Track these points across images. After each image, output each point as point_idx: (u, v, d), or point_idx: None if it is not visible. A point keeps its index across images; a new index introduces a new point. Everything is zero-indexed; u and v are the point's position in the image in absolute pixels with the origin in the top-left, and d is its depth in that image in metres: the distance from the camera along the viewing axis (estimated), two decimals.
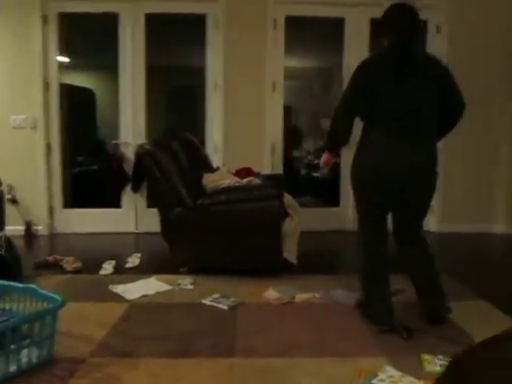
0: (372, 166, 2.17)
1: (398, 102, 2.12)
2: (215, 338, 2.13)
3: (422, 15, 4.58)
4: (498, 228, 4.66)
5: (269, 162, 4.56)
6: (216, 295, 2.66)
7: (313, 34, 5.14)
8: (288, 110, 5.92)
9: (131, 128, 4.51)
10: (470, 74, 4.59)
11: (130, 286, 2.83)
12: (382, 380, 1.75)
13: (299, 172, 6.76)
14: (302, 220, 4.12)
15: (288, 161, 5.55)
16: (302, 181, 6.64)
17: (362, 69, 2.21)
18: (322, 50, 5.86)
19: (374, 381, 1.75)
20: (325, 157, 2.42)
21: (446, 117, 2.23)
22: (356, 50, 4.59)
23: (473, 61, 4.56)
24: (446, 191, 4.52)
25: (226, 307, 2.50)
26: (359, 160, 2.25)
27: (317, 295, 2.66)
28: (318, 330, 2.23)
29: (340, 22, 4.62)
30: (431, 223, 4.56)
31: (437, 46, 4.48)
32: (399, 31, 2.14)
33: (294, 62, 6.00)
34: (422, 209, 2.29)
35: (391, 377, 1.78)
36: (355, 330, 2.23)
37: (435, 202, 4.41)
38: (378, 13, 4.49)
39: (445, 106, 2.19)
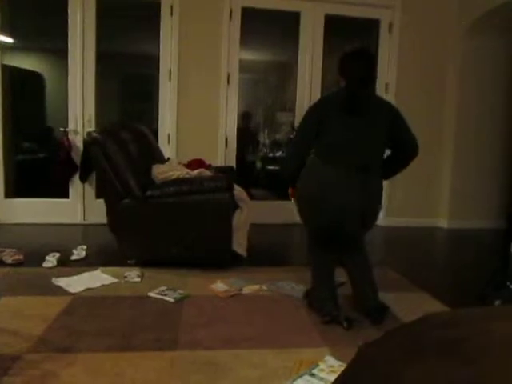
0: (313, 199, 2.25)
1: (346, 137, 2.19)
2: (159, 331, 2.11)
3: (374, 14, 4.71)
4: (443, 222, 4.89)
5: (222, 154, 4.54)
6: (163, 288, 2.63)
7: (269, 28, 5.14)
8: (247, 116, 5.94)
9: (80, 115, 4.35)
10: (419, 74, 4.76)
11: (73, 278, 2.75)
12: (321, 370, 1.80)
13: (254, 164, 6.78)
14: (254, 213, 4.15)
15: (243, 153, 5.56)
16: (257, 173, 6.66)
17: (315, 109, 2.28)
18: (278, 44, 5.87)
19: (314, 371, 1.79)
20: (290, 190, 2.50)
21: (398, 157, 2.33)
22: (311, 44, 4.65)
23: (422, 60, 4.72)
24: (394, 187, 4.68)
25: (172, 300, 2.48)
26: (303, 188, 2.31)
27: (264, 287, 2.68)
28: (263, 321, 2.26)
29: (296, 16, 4.64)
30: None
31: (388, 45, 4.59)
32: (353, 80, 2.21)
33: (250, 55, 5.99)
34: (362, 230, 2.38)
35: (331, 366, 1.83)
36: (300, 322, 2.27)
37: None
38: (332, 9, 4.64)
39: (397, 147, 2.30)
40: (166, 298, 2.50)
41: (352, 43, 5.52)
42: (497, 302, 2.22)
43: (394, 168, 2.37)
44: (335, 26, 4.78)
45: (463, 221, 4.84)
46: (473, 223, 4.86)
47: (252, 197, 5.06)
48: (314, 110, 2.27)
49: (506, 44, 4.77)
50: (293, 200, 2.49)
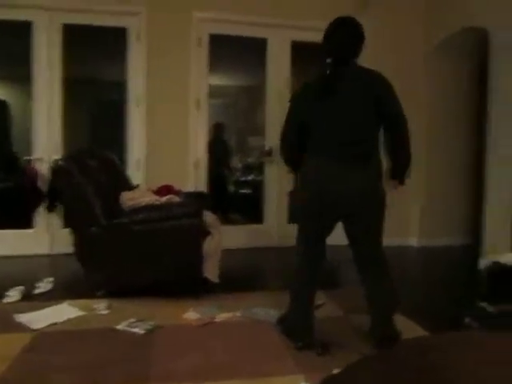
0: (310, 196, 2.15)
1: (323, 121, 2.08)
2: (129, 365, 2.02)
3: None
4: (413, 241, 4.96)
5: (193, 180, 4.50)
6: (132, 319, 2.54)
7: (238, 53, 5.22)
8: (219, 127, 5.95)
9: (46, 143, 4.25)
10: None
11: (37, 313, 2.62)
12: None
13: (227, 189, 6.77)
14: (227, 237, 4.10)
15: (216, 178, 5.55)
16: (230, 198, 6.65)
17: (295, 98, 2.22)
18: (247, 69, 5.96)
19: None
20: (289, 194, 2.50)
21: (389, 133, 2.11)
22: (278, 70, 4.73)
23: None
24: None
25: (142, 331, 2.39)
26: (301, 187, 2.24)
27: (238, 314, 2.63)
28: (237, 350, 2.20)
29: (263, 43, 4.73)
30: None
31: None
32: (331, 48, 2.10)
33: (220, 80, 6.05)
34: (369, 227, 2.18)
35: None
36: (275, 348, 2.23)
37: None
38: (299, 35, 4.74)
39: (384, 121, 2.09)
40: (136, 330, 2.41)
41: (318, 68, 5.66)
42: (467, 320, 2.24)
43: (391, 150, 2.13)
44: (302, 51, 4.88)
45: (433, 238, 4.92)
46: (443, 240, 4.94)
47: (226, 221, 5.04)
48: (294, 100, 2.20)
49: (468, 68, 4.98)
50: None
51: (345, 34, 2.10)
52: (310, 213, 2.19)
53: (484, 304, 2.23)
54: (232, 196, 6.76)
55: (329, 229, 2.23)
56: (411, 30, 4.91)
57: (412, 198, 4.94)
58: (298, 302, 2.27)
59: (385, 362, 0.54)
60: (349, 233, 2.21)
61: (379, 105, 2.04)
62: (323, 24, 4.81)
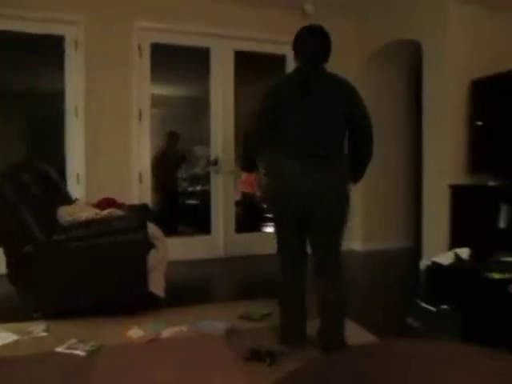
0: (276, 191, 2.16)
1: (297, 122, 2.11)
2: None
3: (282, 51, 4.92)
4: (357, 245, 5.09)
5: (136, 192, 4.38)
6: (73, 341, 2.41)
7: (182, 63, 5.17)
8: (173, 136, 5.86)
9: None
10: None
11: None
12: None
13: (176, 200, 6.64)
14: (174, 250, 4.01)
15: (166, 189, 5.45)
16: (179, 209, 6.53)
17: (268, 97, 2.22)
18: (191, 79, 5.91)
19: None
20: (242, 179, 2.36)
21: (355, 143, 2.19)
22: (221, 79, 4.73)
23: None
24: None
25: (83, 353, 2.27)
26: (269, 183, 2.23)
27: (184, 328, 2.56)
28: (182, 365, 2.14)
29: (206, 52, 4.72)
30: None
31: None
32: (303, 54, 2.17)
33: (164, 90, 5.96)
34: (329, 230, 2.18)
35: None
36: (222, 361, 2.18)
37: None
38: (241, 45, 4.77)
39: (352, 131, 2.17)
40: (77, 352, 2.29)
41: (263, 77, 5.72)
42: (409, 320, 2.31)
43: (355, 157, 2.20)
44: (246, 61, 4.92)
45: (376, 242, 5.08)
46: (387, 244, 5.11)
47: (175, 233, 4.95)
48: (267, 99, 2.21)
49: (400, 77, 5.22)
50: (241, 191, 2.36)
51: (317, 42, 2.18)
52: (279, 211, 2.21)
53: (424, 304, 2.31)
54: (181, 207, 6.65)
55: (300, 230, 2.22)
56: (346, 42, 5.09)
57: (355, 203, 5.08)
58: (285, 304, 2.32)
59: (313, 372, 0.53)
60: (310, 235, 2.22)
61: (349, 112, 2.13)
62: (265, 35, 4.88)
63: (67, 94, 4.26)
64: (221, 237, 4.71)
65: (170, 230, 5.07)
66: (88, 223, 2.80)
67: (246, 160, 2.34)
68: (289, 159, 2.12)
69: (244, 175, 2.37)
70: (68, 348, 2.33)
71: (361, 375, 0.49)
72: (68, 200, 3.28)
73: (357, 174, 2.29)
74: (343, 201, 2.17)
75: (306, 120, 2.11)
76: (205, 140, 4.91)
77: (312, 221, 2.15)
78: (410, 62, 5.09)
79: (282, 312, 2.34)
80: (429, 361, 0.45)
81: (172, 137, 5.79)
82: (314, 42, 2.18)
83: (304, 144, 2.10)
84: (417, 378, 0.42)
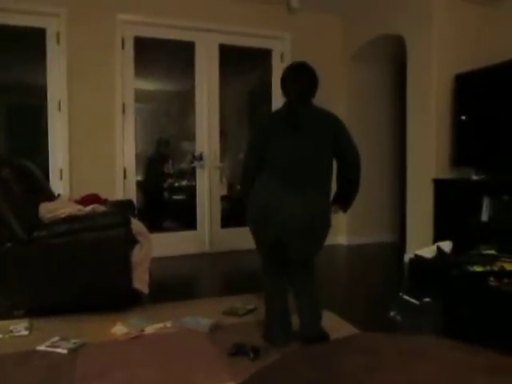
0: (259, 215, 2.19)
1: (285, 153, 2.16)
2: None
3: (266, 45, 4.90)
4: (342, 239, 5.12)
5: (121, 187, 4.34)
6: (55, 339, 2.38)
7: (167, 57, 5.11)
8: (163, 143, 5.83)
9: None
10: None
11: None
12: None
13: (162, 196, 6.60)
14: (159, 245, 3.99)
15: (149, 184, 5.40)
16: (164, 205, 6.49)
17: (261, 131, 2.28)
18: (177, 73, 5.86)
19: None
20: None
21: (344, 176, 2.26)
22: (206, 74, 4.69)
23: None
24: None
25: (65, 351, 2.24)
26: (249, 206, 2.27)
27: (168, 325, 2.55)
28: (166, 362, 2.12)
29: (191, 46, 4.67)
30: None
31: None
32: (291, 93, 2.22)
33: (149, 85, 5.90)
34: (307, 253, 2.26)
35: None
36: (205, 357, 2.18)
37: None
38: (226, 39, 4.74)
39: (340, 165, 2.24)
40: (58, 350, 2.26)
41: (248, 72, 5.70)
42: (392, 313, 2.33)
43: (342, 187, 2.29)
44: (231, 55, 4.89)
45: (361, 237, 5.11)
46: (370, 238, 5.15)
47: (162, 229, 4.92)
48: (261, 132, 2.27)
49: (385, 72, 5.24)
50: None
51: (303, 80, 2.23)
52: (260, 236, 2.25)
53: (407, 297, 2.33)
54: (167, 203, 6.61)
55: (281, 252, 2.26)
56: (331, 37, 5.09)
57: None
58: (271, 303, 2.34)
59: (280, 370, 0.52)
60: (288, 254, 2.26)
61: (336, 147, 2.19)
62: (250, 29, 4.86)
63: (49, 88, 4.20)
64: (206, 232, 4.69)
65: (155, 226, 5.05)
66: (70, 219, 2.76)
67: (245, 191, 2.38)
68: (270, 187, 2.16)
69: None
70: (50, 346, 2.30)
71: (329, 371, 0.49)
72: (50, 196, 3.22)
73: (345, 204, 2.35)
74: (324, 227, 2.21)
75: (293, 150, 2.16)
76: (191, 135, 4.88)
77: (289, 245, 2.19)
78: (394, 58, 5.10)
79: (266, 309, 2.37)
80: (398, 355, 0.45)
81: (162, 143, 5.75)
82: (300, 81, 2.22)
83: (289, 172, 2.15)
84: (384, 372, 0.42)
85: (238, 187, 2.23)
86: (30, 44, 4.34)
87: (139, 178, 4.86)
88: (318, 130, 2.18)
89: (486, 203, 3.49)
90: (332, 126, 2.20)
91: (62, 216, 2.80)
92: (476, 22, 3.99)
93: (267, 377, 0.51)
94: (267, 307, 2.36)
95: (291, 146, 2.16)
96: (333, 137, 2.18)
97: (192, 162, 4.80)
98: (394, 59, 5.14)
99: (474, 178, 3.68)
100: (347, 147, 2.21)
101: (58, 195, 3.40)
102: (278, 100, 4.81)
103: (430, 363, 0.44)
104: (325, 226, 2.21)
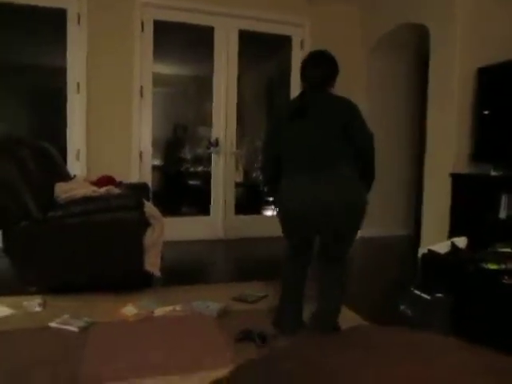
0: (284, 212, 2.21)
1: (294, 141, 2.17)
2: (57, 366, 1.92)
3: (286, 31, 4.84)
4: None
5: (137, 170, 4.37)
6: (66, 316, 2.42)
7: (186, 42, 5.09)
8: (180, 128, 5.85)
9: None
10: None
11: None
12: None
13: (178, 180, 6.64)
14: (173, 230, 4.02)
15: (166, 168, 5.44)
16: (179, 189, 6.53)
17: (274, 120, 2.33)
18: (195, 58, 5.84)
19: None
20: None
21: (358, 161, 2.20)
22: (225, 59, 4.66)
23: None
24: None
25: (76, 329, 2.29)
26: (278, 205, 2.27)
27: (178, 308, 2.57)
28: (174, 345, 2.15)
29: (210, 31, 4.64)
30: None
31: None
32: (307, 81, 2.23)
33: (168, 69, 5.89)
34: (340, 238, 2.18)
35: None
36: (213, 342, 2.19)
37: None
38: (246, 24, 4.69)
39: (354, 150, 2.18)
40: (70, 328, 2.30)
41: (268, 58, 5.64)
42: (402, 307, 2.31)
43: (362, 173, 2.21)
44: (250, 41, 4.84)
45: (376, 229, 5.06)
46: (385, 231, 5.09)
47: (173, 213, 4.95)
48: (276, 121, 2.31)
49: (406, 63, 5.12)
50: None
51: (320, 68, 2.23)
52: (288, 230, 2.27)
53: (418, 291, 2.30)
54: (182, 188, 6.66)
55: (309, 240, 2.30)
56: (351, 27, 4.99)
57: None
58: (285, 289, 2.35)
59: (264, 364, 0.52)
60: (321, 239, 2.24)
61: (348, 133, 2.14)
62: (270, 15, 4.79)
63: (69, 70, 4.22)
64: (220, 218, 4.71)
65: (170, 210, 5.09)
66: (85, 200, 2.79)
67: (267, 188, 2.44)
68: (290, 181, 2.18)
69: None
70: (61, 323, 2.34)
71: (320, 365, 0.48)
72: (66, 177, 3.26)
73: (365, 183, 2.27)
74: (354, 210, 2.11)
75: (300, 138, 2.17)
76: (208, 121, 4.87)
77: (320, 231, 2.17)
78: (417, 48, 4.99)
79: (281, 295, 2.37)
80: (394, 350, 0.44)
81: (179, 128, 5.76)
82: (317, 69, 2.23)
83: (303, 159, 2.15)
84: (379, 367, 0.41)
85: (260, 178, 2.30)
86: (50, 25, 4.36)
87: (156, 162, 4.89)
88: (328, 116, 2.15)
89: (504, 200, 3.41)
90: (345, 112, 2.16)
91: (77, 197, 2.83)
92: (499, 14, 3.86)
93: (252, 371, 0.50)
94: (281, 294, 2.36)
95: (299, 133, 2.17)
96: (345, 123, 2.13)
97: (208, 148, 4.80)
98: (416, 49, 5.02)
99: (493, 173, 3.60)
100: (359, 132, 2.16)
101: (74, 176, 3.44)
102: (296, 87, 4.76)
103: (426, 360, 0.43)
104: (355, 204, 2.10)
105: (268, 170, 2.36)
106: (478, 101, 3.78)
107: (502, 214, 3.41)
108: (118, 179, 3.49)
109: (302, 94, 2.24)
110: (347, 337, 0.51)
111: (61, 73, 4.22)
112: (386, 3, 4.60)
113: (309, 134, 2.15)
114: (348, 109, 2.17)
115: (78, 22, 4.18)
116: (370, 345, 0.45)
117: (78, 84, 4.20)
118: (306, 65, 2.27)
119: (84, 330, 2.30)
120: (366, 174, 2.24)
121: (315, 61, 2.26)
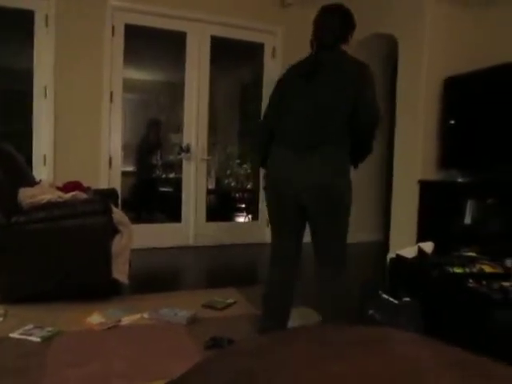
0: (270, 183, 2.07)
1: (295, 109, 2.00)
2: (18, 378, 1.84)
3: (258, 39, 4.86)
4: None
5: (106, 176, 4.28)
6: (29, 326, 2.34)
7: (157, 47, 5.05)
8: (154, 124, 5.77)
9: None
10: None
11: None
12: None
13: (149, 187, 6.55)
14: (143, 237, 3.95)
15: (139, 175, 5.37)
16: (150, 196, 6.44)
17: (278, 82, 2.14)
18: (167, 64, 5.81)
19: None
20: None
21: (356, 132, 1.99)
22: (197, 65, 4.64)
23: None
24: None
25: (38, 339, 2.20)
26: (265, 175, 2.14)
27: (145, 316, 2.52)
28: (140, 354, 2.10)
29: (182, 36, 4.62)
30: (267, 235, 4.77)
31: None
32: (316, 38, 2.04)
33: (138, 74, 5.83)
34: (325, 221, 2.01)
35: None
36: (182, 350, 2.15)
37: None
38: (218, 31, 4.69)
39: (354, 122, 1.96)
40: (31, 338, 2.22)
41: (240, 65, 5.66)
42: (370, 312, 2.32)
43: (354, 147, 2.03)
44: (223, 48, 4.84)
45: (351, 234, 5.11)
46: (356, 237, 5.15)
47: (144, 219, 4.88)
48: (276, 88, 2.13)
49: (377, 72, 5.22)
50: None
51: (330, 20, 2.03)
52: (270, 203, 2.10)
53: (386, 296, 2.33)
54: (154, 194, 6.57)
55: (293, 223, 2.09)
56: None
57: None
58: (267, 290, 2.17)
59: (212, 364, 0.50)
60: (310, 227, 2.09)
61: (354, 102, 1.93)
62: (243, 22, 4.79)
63: (36, 73, 4.12)
64: (191, 225, 4.66)
65: (141, 217, 5.01)
66: (50, 206, 2.71)
67: (257, 152, 2.24)
68: (280, 150, 2.02)
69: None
70: (23, 334, 2.26)
71: (270, 361, 0.47)
72: (31, 182, 3.16)
73: (355, 161, 2.15)
74: (339, 191, 1.99)
75: (302, 108, 1.98)
76: (181, 127, 4.84)
77: (306, 213, 2.02)
78: (386, 58, 5.10)
79: (262, 301, 2.20)
80: (347, 346, 0.43)
81: (153, 125, 5.70)
82: (325, 24, 2.03)
83: (296, 134, 1.98)
84: (332, 362, 0.40)
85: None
86: (18, 27, 4.25)
87: (126, 168, 4.82)
88: (336, 81, 1.93)
89: (469, 206, 3.51)
90: (355, 78, 1.93)
91: (42, 202, 2.75)
92: (468, 25, 4.00)
93: (201, 368, 0.49)
94: (263, 299, 2.18)
95: (301, 102, 1.98)
96: (354, 90, 1.91)
97: (179, 154, 4.76)
98: (385, 59, 5.13)
99: (459, 180, 3.70)
100: (364, 105, 1.93)
101: (40, 181, 3.34)
102: (269, 95, 4.77)
103: (381, 355, 0.42)
104: (337, 187, 1.97)
105: (262, 141, 2.16)
106: (445, 109, 3.89)
107: (468, 220, 3.51)
108: (86, 185, 3.41)
109: (309, 57, 2.05)
110: (299, 334, 0.50)
111: (28, 76, 4.12)
112: (357, 12, 4.68)
113: (312, 102, 1.95)
114: (359, 75, 1.94)
115: (46, 25, 4.09)
116: (323, 341, 0.45)
117: (46, 88, 4.10)
118: (317, 19, 2.06)
119: (47, 340, 2.21)
120: (360, 147, 2.06)
121: (326, 12, 2.05)
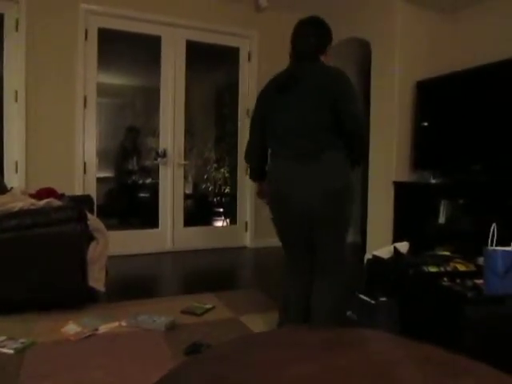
0: (271, 197, 2.12)
1: (278, 120, 2.02)
2: None
3: (234, 43, 4.85)
4: None
5: (81, 182, 4.21)
6: (2, 338, 2.27)
7: (132, 51, 5.00)
8: (133, 131, 5.70)
9: None
10: None
11: None
12: None
13: (125, 193, 6.47)
14: (121, 243, 3.89)
15: (113, 180, 5.29)
16: (127, 202, 6.36)
17: (258, 97, 2.17)
18: (143, 68, 5.76)
19: None
20: (257, 188, 2.34)
21: (345, 139, 1.98)
22: (173, 69, 4.62)
23: None
24: (258, 210, 4.79)
25: (11, 351, 2.14)
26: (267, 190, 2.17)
27: (123, 323, 2.48)
28: (118, 363, 2.06)
29: (157, 41, 4.59)
30: (246, 239, 4.77)
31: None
32: (294, 51, 2.08)
33: (113, 79, 5.76)
34: (324, 229, 2.01)
35: None
36: (160, 357, 2.13)
37: (250, 219, 4.65)
38: (194, 35, 4.68)
39: (342, 128, 1.95)
40: (4, 350, 2.15)
41: (216, 70, 5.65)
42: (348, 313, 2.35)
43: (348, 150, 2.01)
44: (199, 52, 4.83)
45: None
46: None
47: (121, 226, 4.81)
48: (256, 106, 2.16)
49: (352, 76, 5.30)
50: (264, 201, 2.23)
51: (307, 32, 2.07)
52: (275, 219, 2.14)
53: (363, 296, 2.35)
54: (131, 200, 6.49)
55: (302, 236, 2.08)
56: None
57: None
58: (284, 298, 2.20)
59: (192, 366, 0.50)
60: (313, 238, 2.08)
61: (335, 110, 1.92)
62: (218, 26, 4.81)
63: (6, 77, 4.02)
64: (169, 230, 4.62)
65: (117, 223, 4.94)
66: (22, 214, 2.64)
67: (251, 171, 2.31)
68: (274, 161, 2.06)
69: (257, 185, 2.33)
70: None
71: (246, 365, 0.47)
72: (2, 189, 3.08)
73: (352, 164, 2.08)
74: (337, 197, 1.96)
75: (286, 122, 2.00)
76: (157, 132, 4.79)
77: (311, 220, 2.01)
78: (361, 62, 5.18)
79: (281, 314, 2.21)
80: (321, 346, 0.43)
81: (129, 130, 5.64)
82: (303, 36, 2.07)
83: (285, 144, 2.00)
84: (306, 362, 0.40)
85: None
86: None
87: (102, 173, 4.74)
88: (313, 93, 1.93)
89: (443, 206, 3.59)
90: (332, 86, 1.93)
91: (14, 210, 2.68)
92: (438, 30, 4.10)
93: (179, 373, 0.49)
94: (282, 312, 2.20)
95: (282, 112, 2.00)
96: (333, 100, 1.91)
97: (156, 159, 4.72)
98: (359, 63, 5.21)
99: (433, 181, 3.78)
100: (345, 113, 1.91)
101: (11, 188, 3.26)
102: (245, 99, 4.79)
103: (355, 353, 0.43)
104: (334, 193, 1.94)
105: (253, 156, 2.21)
106: (418, 112, 3.97)
107: (442, 220, 3.59)
108: (60, 191, 3.34)
109: (286, 70, 2.08)
110: (274, 337, 0.51)
111: None
112: (333, 17, 4.74)
113: (290, 111, 1.98)
114: (336, 82, 1.95)
115: (16, 29, 4.00)
116: (297, 342, 0.45)
117: (16, 92, 4.01)
118: (294, 32, 2.10)
119: (20, 351, 2.16)
120: (353, 154, 2.03)
121: (303, 26, 2.09)
